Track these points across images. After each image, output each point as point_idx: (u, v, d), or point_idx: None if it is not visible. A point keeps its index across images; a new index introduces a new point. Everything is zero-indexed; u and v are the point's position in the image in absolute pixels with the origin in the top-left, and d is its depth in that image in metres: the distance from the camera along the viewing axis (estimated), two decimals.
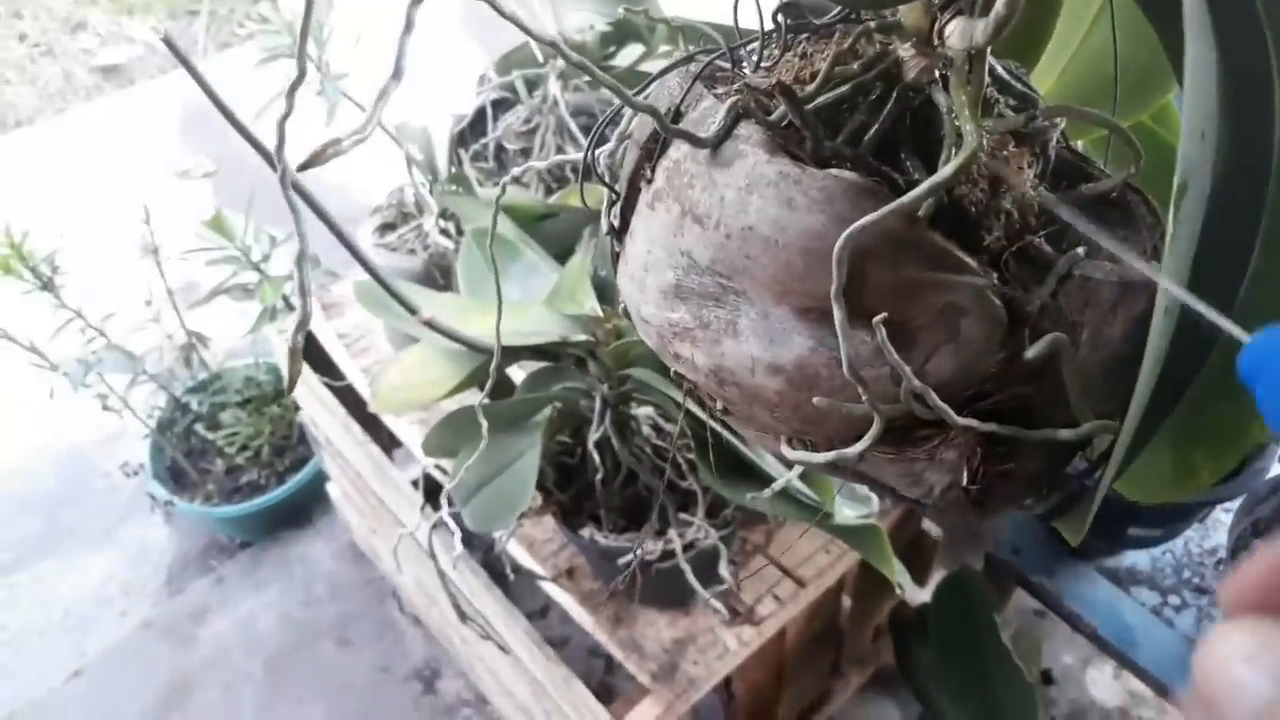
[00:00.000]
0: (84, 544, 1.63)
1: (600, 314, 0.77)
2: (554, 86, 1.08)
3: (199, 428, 1.51)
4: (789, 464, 0.35)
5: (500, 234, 0.93)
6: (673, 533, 0.80)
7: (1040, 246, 0.31)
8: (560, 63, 1.09)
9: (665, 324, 0.34)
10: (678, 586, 0.84)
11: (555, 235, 1.00)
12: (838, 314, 0.28)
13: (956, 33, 0.30)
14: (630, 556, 0.80)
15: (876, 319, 0.27)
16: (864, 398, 0.29)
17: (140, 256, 1.37)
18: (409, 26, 0.30)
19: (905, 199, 0.27)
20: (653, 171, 0.34)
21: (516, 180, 1.12)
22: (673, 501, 0.82)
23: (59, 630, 1.52)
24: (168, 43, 0.63)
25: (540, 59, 1.10)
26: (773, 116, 0.32)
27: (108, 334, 1.38)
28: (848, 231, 0.27)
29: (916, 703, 1.20)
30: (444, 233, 1.07)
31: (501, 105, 1.12)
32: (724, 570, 0.81)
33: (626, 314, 0.41)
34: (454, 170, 1.09)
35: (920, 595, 1.20)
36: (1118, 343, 0.30)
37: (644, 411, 0.86)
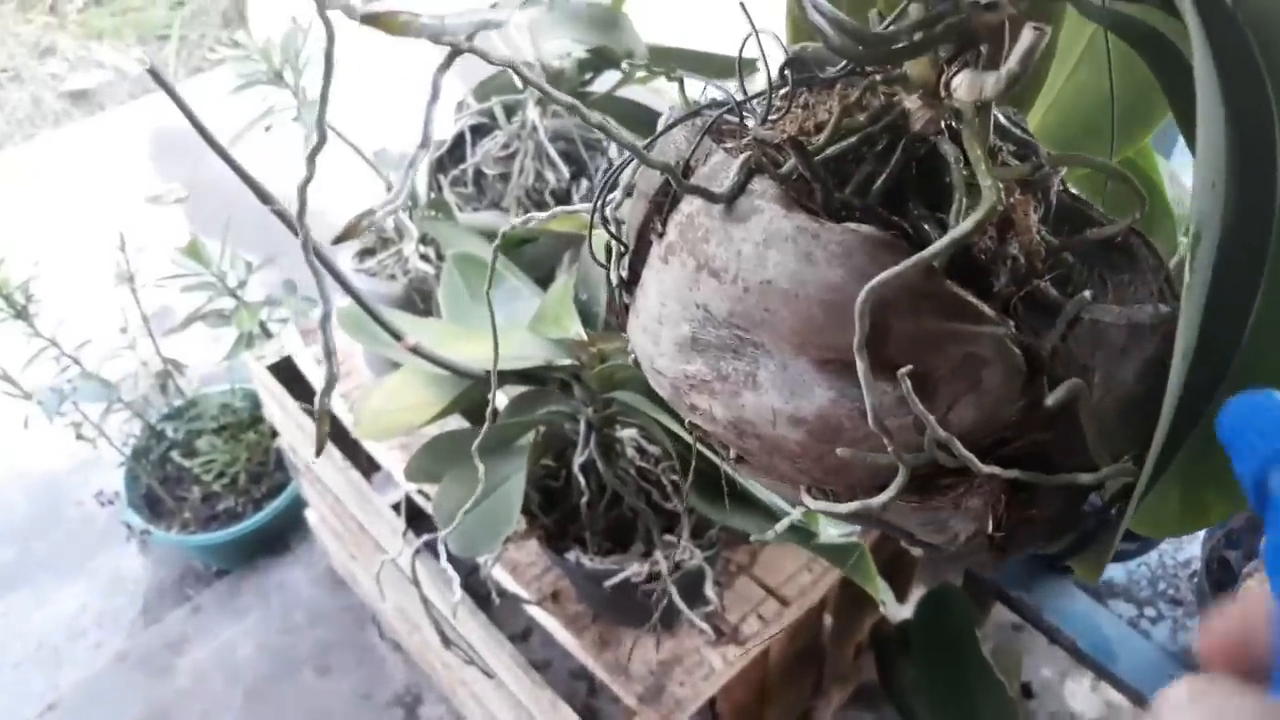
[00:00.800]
0: (57, 575, 1.61)
1: (585, 338, 0.77)
2: (533, 112, 1.09)
3: (175, 455, 1.50)
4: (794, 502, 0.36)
5: (480, 259, 0.93)
6: (659, 554, 0.80)
7: (1047, 291, 0.32)
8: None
9: (681, 376, 0.34)
10: (665, 610, 0.84)
11: (535, 260, 1.01)
12: (861, 366, 0.28)
13: (964, 86, 0.31)
14: (616, 579, 0.81)
15: (902, 371, 0.28)
16: (889, 448, 0.29)
17: (115, 284, 1.36)
18: (435, 95, 0.31)
19: (926, 253, 0.28)
20: (664, 225, 0.35)
21: (496, 205, 1.13)
22: (657, 523, 0.82)
23: (31, 663, 1.50)
24: (154, 74, 0.64)
25: (519, 85, 1.11)
26: (783, 169, 0.32)
27: (82, 362, 1.37)
28: (869, 285, 0.28)
29: (899, 718, 1.21)
30: (424, 258, 1.08)
31: (480, 131, 1.12)
32: (709, 591, 0.81)
33: (619, 338, 0.42)
34: (433, 196, 1.09)
35: (901, 612, 1.21)
36: (1130, 384, 0.31)
37: (628, 434, 0.86)
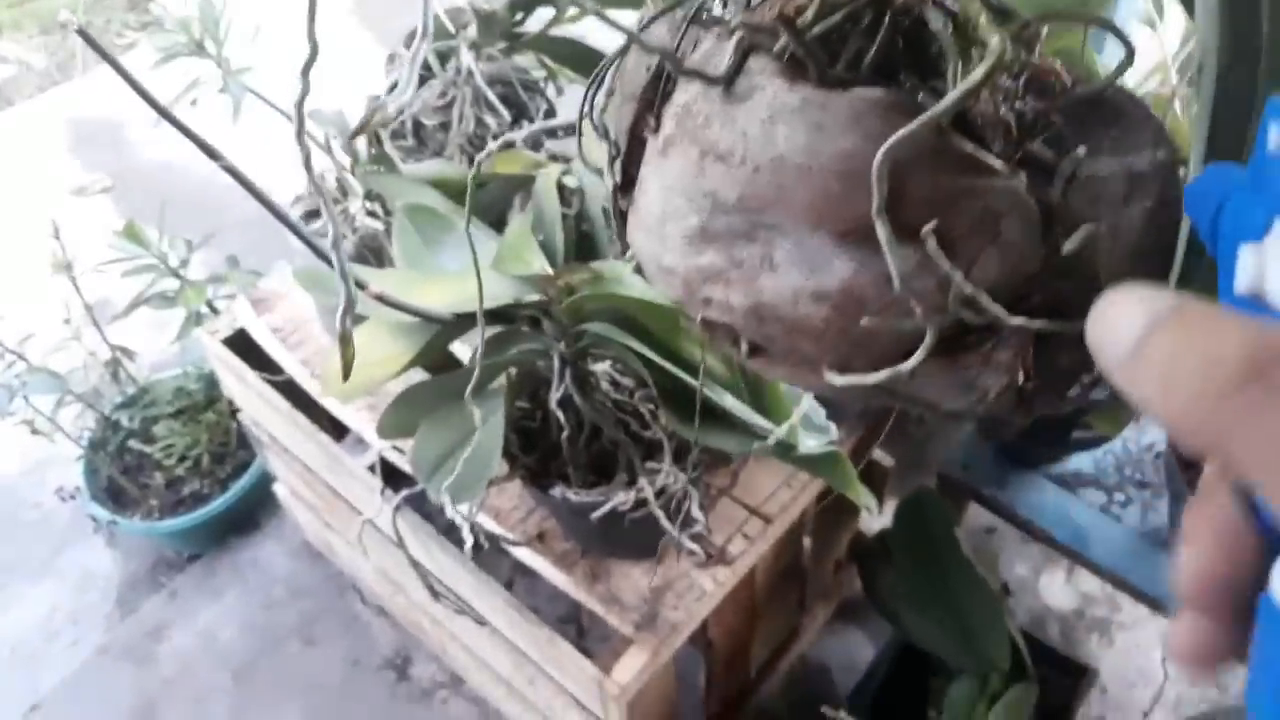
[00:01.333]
0: (22, 578, 1.58)
1: (550, 272, 0.77)
2: (467, 57, 1.07)
3: (133, 443, 1.48)
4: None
5: (430, 208, 0.92)
6: (643, 481, 0.81)
7: (1042, 152, 0.32)
8: (471, 32, 1.08)
9: (693, 270, 0.34)
10: (652, 535, 0.85)
11: (486, 204, 1.00)
12: (882, 230, 0.29)
13: None
14: (603, 510, 0.81)
15: (926, 228, 0.28)
16: (916, 310, 0.29)
17: (52, 274, 1.32)
18: None
19: (940, 107, 0.28)
20: (658, 120, 0.34)
21: (438, 155, 1.11)
22: (638, 452, 0.83)
23: (6, 669, 1.48)
24: (84, 35, 0.62)
25: (451, 29, 1.09)
26: (775, 49, 0.32)
27: (28, 357, 1.33)
28: (887, 144, 0.28)
29: (884, 627, 1.23)
30: (371, 214, 1.06)
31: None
32: (696, 511, 0.82)
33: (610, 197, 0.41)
34: (374, 151, 1.07)
35: (876, 524, 1.22)
36: (1138, 231, 0.31)
37: (601, 367, 0.86)
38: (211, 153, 0.70)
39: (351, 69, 2.26)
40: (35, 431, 1.34)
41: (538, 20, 1.11)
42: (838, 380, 0.33)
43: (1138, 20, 0.87)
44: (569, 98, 1.18)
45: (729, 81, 0.32)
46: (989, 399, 0.32)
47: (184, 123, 0.70)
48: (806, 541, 1.17)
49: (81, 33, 0.62)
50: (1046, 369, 0.32)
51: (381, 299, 0.74)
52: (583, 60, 1.10)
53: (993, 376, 0.31)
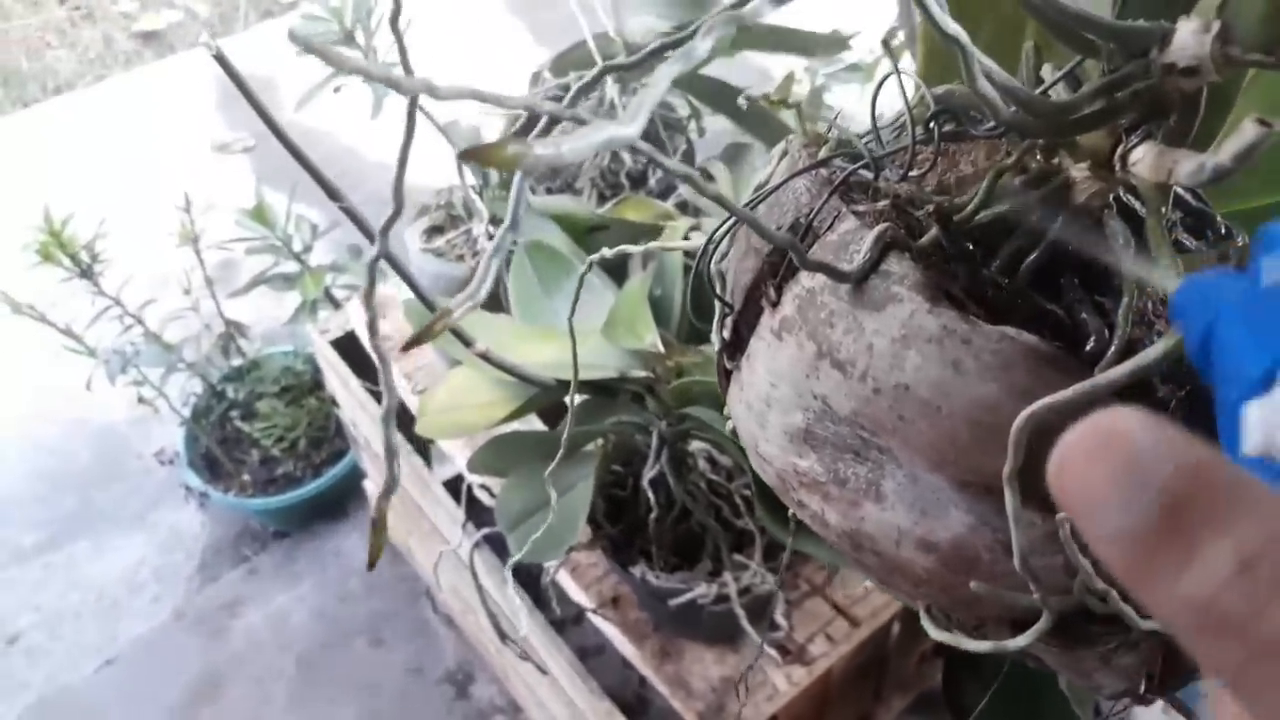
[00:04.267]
0: (117, 526, 1.62)
1: (661, 349, 0.73)
2: (611, 89, 1.04)
3: (234, 417, 1.49)
4: None
5: (550, 246, 0.90)
6: (728, 576, 0.77)
7: None
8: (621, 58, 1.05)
9: (790, 469, 0.30)
10: (729, 625, 0.81)
11: (606, 247, 0.97)
12: (1010, 498, 0.24)
13: (1147, 162, 0.26)
14: (682, 599, 0.77)
15: (1062, 515, 0.24)
16: (1034, 592, 0.25)
17: (179, 244, 1.34)
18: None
19: (1101, 380, 0.23)
20: (779, 293, 0.30)
21: (569, 186, 1.08)
22: (727, 540, 0.79)
23: (92, 614, 1.52)
24: (220, 60, 0.60)
25: (598, 60, 1.06)
26: (923, 240, 0.28)
27: (145, 321, 1.36)
28: (1030, 409, 0.23)
29: None
30: (493, 239, 1.04)
31: None
32: (779, 617, 0.78)
33: (717, 357, 0.38)
34: (504, 175, 1.05)
35: None
36: None
37: (699, 445, 0.83)
38: (328, 188, 0.68)
39: (500, 61, 2.26)
40: (141, 399, 1.36)
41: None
42: (933, 633, 0.29)
43: None
44: (710, 138, 1.14)
45: (861, 280, 0.27)
46: (1102, 692, 0.27)
47: (298, 147, 0.68)
48: (895, 627, 1.11)
49: (219, 58, 0.60)
50: (1182, 672, 0.27)
51: (485, 357, 0.71)
52: (727, 102, 1.05)
53: (1110, 678, 0.27)
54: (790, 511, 0.56)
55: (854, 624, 0.88)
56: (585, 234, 0.98)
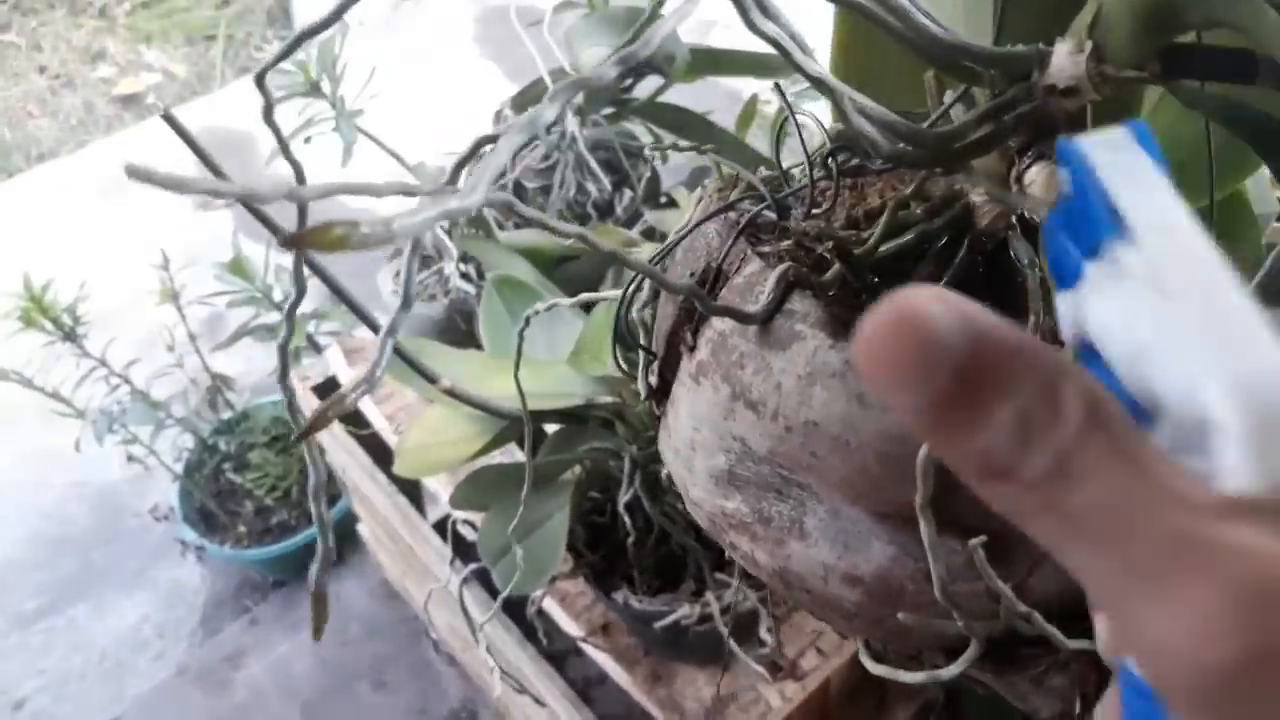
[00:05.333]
0: (117, 586, 1.62)
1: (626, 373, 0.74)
2: (571, 123, 1.05)
3: (227, 469, 1.50)
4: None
5: (519, 280, 0.91)
6: (710, 596, 0.77)
7: None
8: (578, 98, 1.06)
9: (719, 511, 0.30)
10: (718, 645, 0.81)
11: (577, 277, 0.98)
12: (925, 529, 0.25)
13: (1041, 180, 0.27)
14: (666, 621, 0.78)
15: (973, 542, 0.24)
16: (958, 621, 0.25)
17: (159, 303, 1.35)
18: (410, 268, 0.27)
19: None
20: (695, 337, 0.31)
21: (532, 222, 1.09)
22: (708, 559, 0.79)
23: (97, 674, 1.52)
24: (169, 119, 0.61)
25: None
26: (828, 276, 0.29)
27: (132, 380, 1.36)
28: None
29: None
30: (465, 276, 1.05)
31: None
32: (765, 633, 0.78)
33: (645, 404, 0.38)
34: (474, 213, 1.07)
35: None
36: None
37: None
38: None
39: (471, 99, 2.27)
40: (131, 458, 1.37)
41: (646, 88, 1.09)
42: (872, 668, 0.29)
43: None
44: (673, 165, 1.15)
45: (765, 320, 0.28)
46: (1041, 716, 0.28)
47: (258, 206, 0.69)
48: None
49: (167, 117, 0.61)
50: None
51: (451, 393, 0.72)
52: (689, 128, 1.07)
53: (1045, 700, 0.27)
54: None
55: (843, 636, 0.88)
56: (554, 265, 0.99)
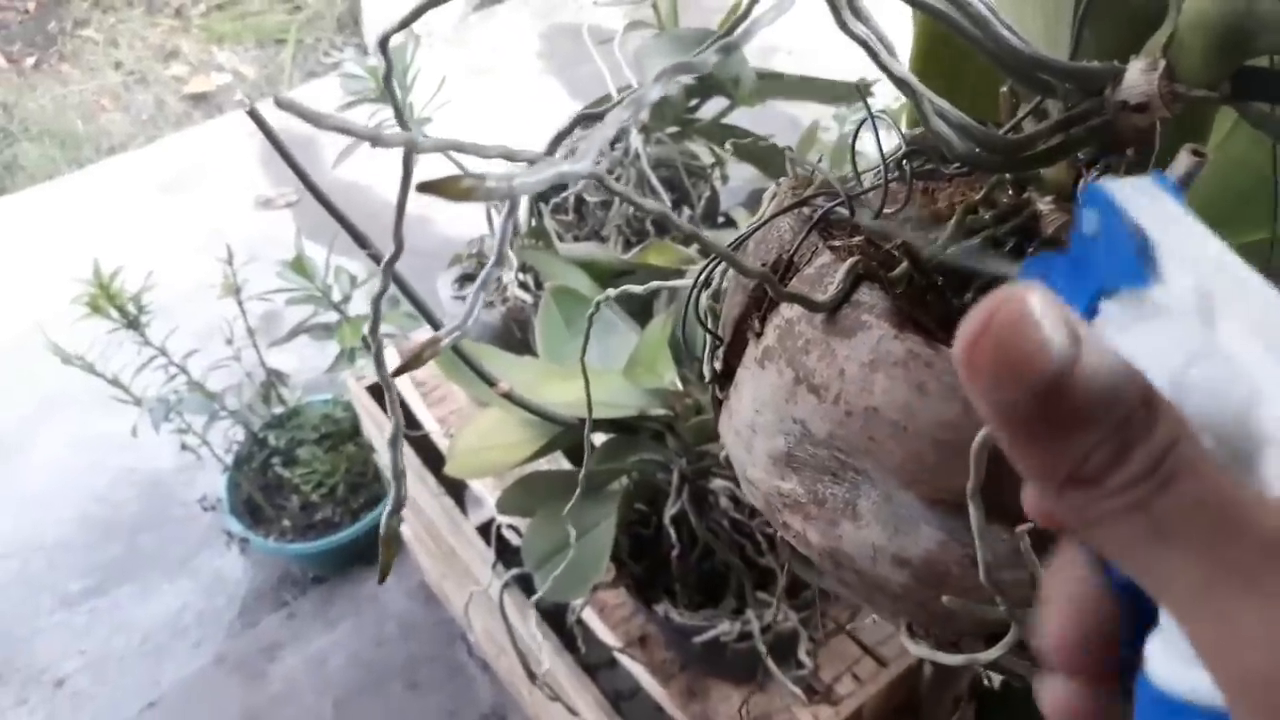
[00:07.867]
0: (162, 572, 1.65)
1: (680, 388, 0.75)
2: (635, 139, 1.07)
3: (276, 463, 1.53)
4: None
5: (575, 290, 0.92)
6: (750, 614, 0.77)
7: None
8: (643, 114, 1.08)
9: (774, 492, 0.31)
10: (755, 664, 0.82)
11: (632, 293, 0.99)
12: (974, 515, 0.25)
13: None
14: (706, 636, 0.78)
15: (1021, 528, 0.25)
16: (1000, 606, 0.26)
17: (220, 296, 1.38)
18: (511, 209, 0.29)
19: None
20: (762, 324, 0.32)
21: (596, 234, 1.11)
22: (751, 578, 0.79)
23: (136, 657, 1.54)
24: (253, 116, 0.63)
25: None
26: (895, 272, 0.29)
27: (189, 371, 1.40)
28: (988, 428, 0.25)
29: None
30: (523, 285, 1.06)
31: None
32: (804, 655, 0.78)
33: (708, 389, 0.39)
34: (534, 223, 1.08)
35: None
36: None
37: (721, 484, 0.84)
38: (357, 236, 0.71)
39: (533, 113, 2.30)
40: (185, 447, 1.40)
41: (712, 109, 1.10)
42: (912, 648, 0.30)
43: None
44: (733, 186, 1.17)
45: (833, 310, 0.29)
46: None
47: (332, 203, 0.71)
48: (927, 669, 1.10)
49: (251, 114, 0.63)
50: None
51: (508, 396, 0.73)
52: (751, 151, 1.08)
53: None
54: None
55: (881, 664, 0.88)
56: (610, 279, 1.00)
